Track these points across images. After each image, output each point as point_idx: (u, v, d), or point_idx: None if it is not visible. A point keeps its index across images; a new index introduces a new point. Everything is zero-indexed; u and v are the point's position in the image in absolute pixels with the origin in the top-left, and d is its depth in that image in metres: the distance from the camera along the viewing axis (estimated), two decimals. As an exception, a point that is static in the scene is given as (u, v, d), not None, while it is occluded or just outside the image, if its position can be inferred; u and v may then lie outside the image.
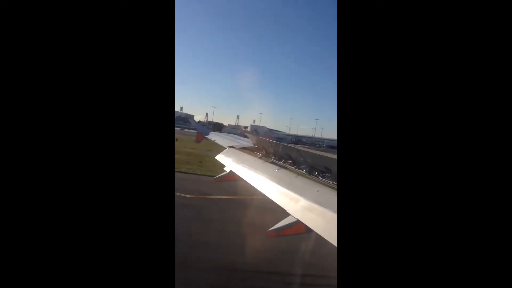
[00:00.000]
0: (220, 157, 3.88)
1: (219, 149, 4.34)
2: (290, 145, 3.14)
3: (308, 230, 1.78)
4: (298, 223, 1.86)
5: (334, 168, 2.08)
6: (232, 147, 4.10)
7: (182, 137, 25.93)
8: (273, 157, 3.07)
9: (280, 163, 2.83)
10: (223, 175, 3.50)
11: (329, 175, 2.21)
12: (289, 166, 2.68)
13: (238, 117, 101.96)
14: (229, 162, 3.60)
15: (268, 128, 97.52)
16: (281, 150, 2.98)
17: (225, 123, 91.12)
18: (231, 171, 3.36)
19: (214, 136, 5.87)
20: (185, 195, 8.76)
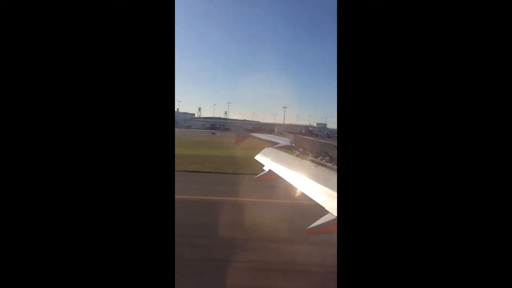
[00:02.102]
0: (258, 157, 3.96)
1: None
2: (326, 141, 3.09)
3: None
4: (337, 220, 1.83)
5: None
6: (269, 146, 4.16)
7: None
8: (310, 155, 3.05)
9: (318, 160, 2.80)
10: (262, 174, 3.57)
11: None
12: (326, 163, 2.64)
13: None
14: (267, 161, 3.66)
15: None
16: (318, 147, 2.95)
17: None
18: (270, 170, 3.42)
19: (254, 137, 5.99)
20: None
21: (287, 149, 3.74)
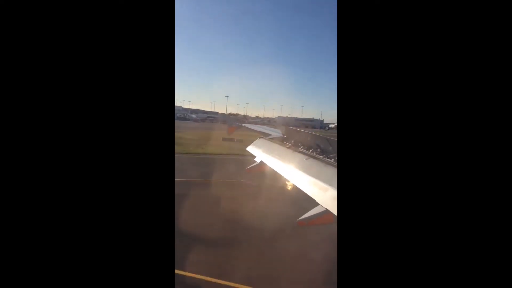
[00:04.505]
0: (250, 148, 3.95)
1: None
2: (319, 134, 3.08)
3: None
4: (327, 212, 1.84)
5: None
6: (261, 137, 4.13)
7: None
8: (302, 147, 3.04)
9: (309, 152, 2.80)
10: (254, 166, 3.56)
11: None
12: (318, 156, 2.64)
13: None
14: (259, 152, 3.65)
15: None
16: (310, 140, 2.95)
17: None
18: (261, 162, 3.41)
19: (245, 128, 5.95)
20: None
21: (279, 140, 3.72)
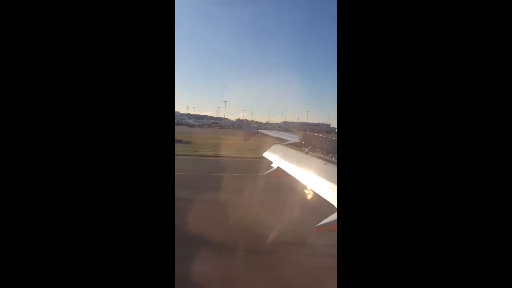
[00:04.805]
0: (267, 154, 3.96)
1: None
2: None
3: None
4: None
5: None
6: (278, 143, 4.14)
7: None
8: (319, 152, 3.02)
9: (327, 157, 2.78)
10: (271, 171, 3.57)
11: None
12: (336, 160, 2.61)
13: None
14: (276, 158, 3.65)
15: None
16: (328, 145, 2.92)
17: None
18: (278, 167, 3.41)
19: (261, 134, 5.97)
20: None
21: (296, 146, 3.72)
